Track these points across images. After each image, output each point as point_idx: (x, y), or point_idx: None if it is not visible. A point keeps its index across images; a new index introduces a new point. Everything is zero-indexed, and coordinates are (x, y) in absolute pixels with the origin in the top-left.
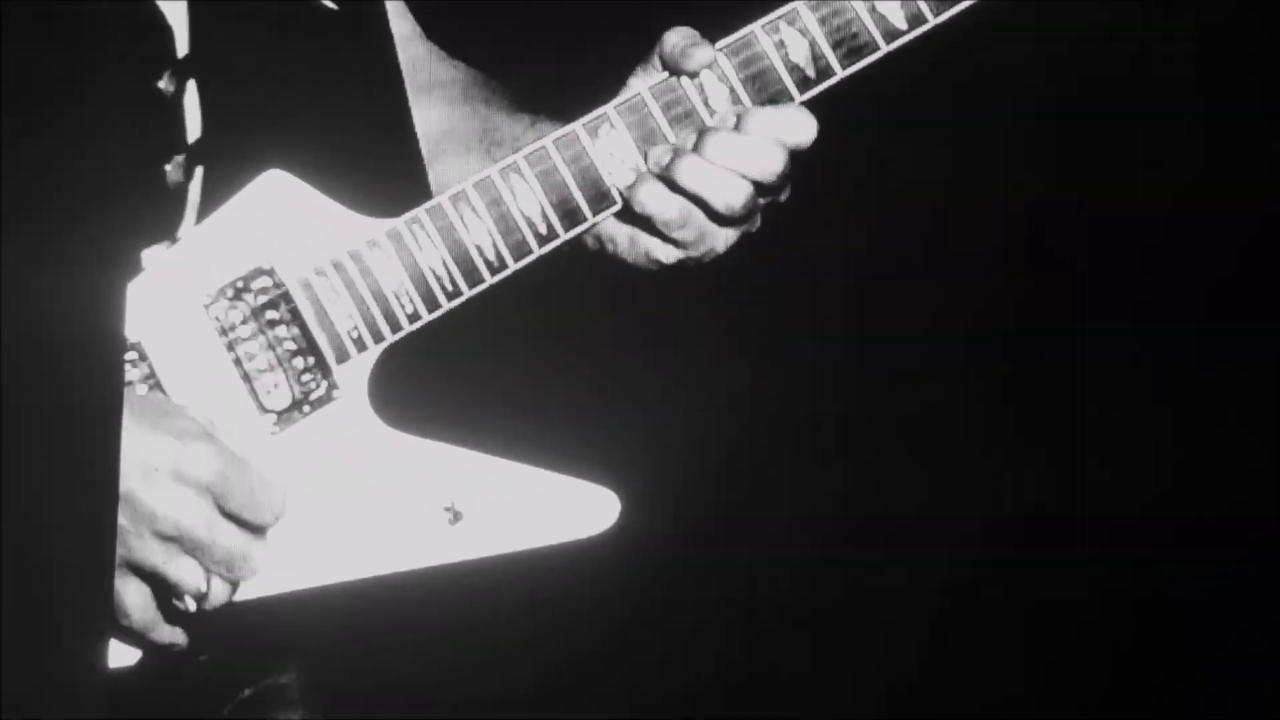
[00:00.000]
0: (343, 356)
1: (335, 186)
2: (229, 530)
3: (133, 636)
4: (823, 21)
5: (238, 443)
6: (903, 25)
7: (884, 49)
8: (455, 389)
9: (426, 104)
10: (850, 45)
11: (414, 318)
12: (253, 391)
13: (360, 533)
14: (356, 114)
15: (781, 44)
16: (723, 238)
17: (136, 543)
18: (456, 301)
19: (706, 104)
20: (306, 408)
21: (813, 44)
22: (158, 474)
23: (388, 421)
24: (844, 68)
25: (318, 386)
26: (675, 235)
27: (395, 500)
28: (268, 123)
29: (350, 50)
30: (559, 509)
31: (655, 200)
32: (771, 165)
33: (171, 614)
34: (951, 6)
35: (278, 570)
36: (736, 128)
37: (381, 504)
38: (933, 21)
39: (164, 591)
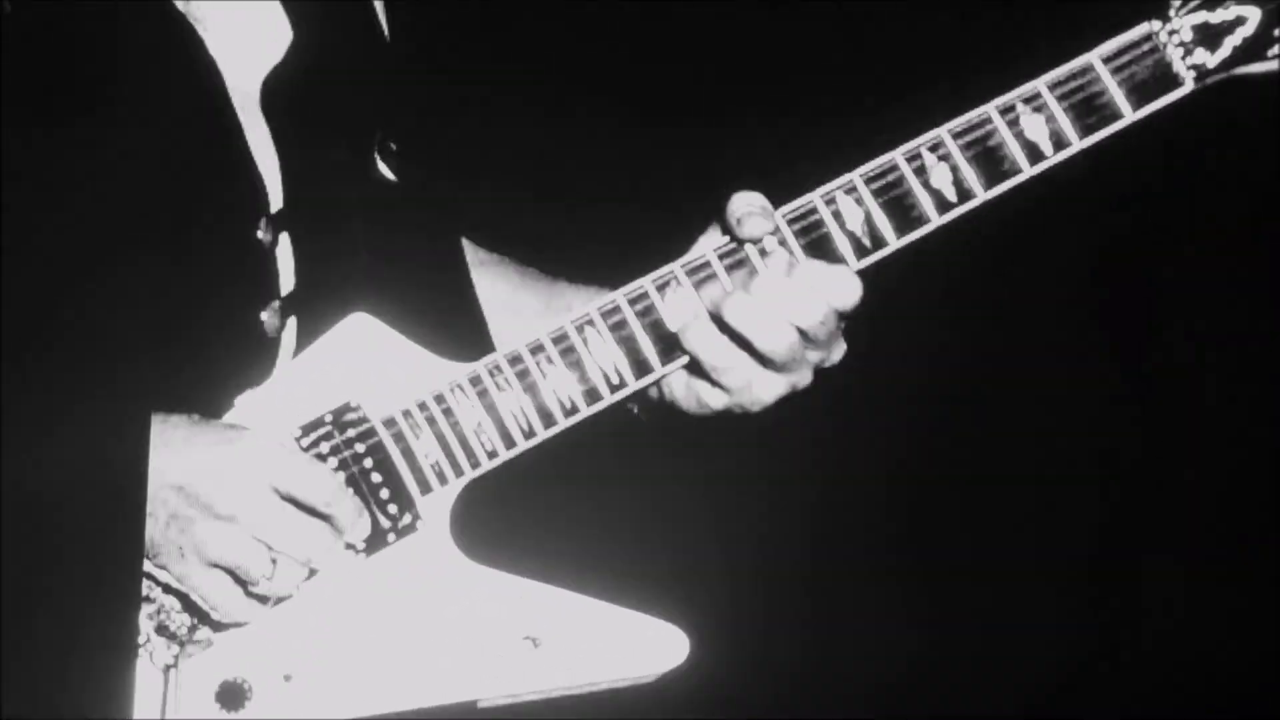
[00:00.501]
0: (425, 489)
1: (415, 332)
2: (286, 512)
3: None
4: (877, 194)
5: (328, 565)
6: (953, 198)
7: (936, 221)
8: (532, 522)
9: (491, 279)
10: (904, 217)
11: (492, 455)
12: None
13: (443, 658)
14: (424, 274)
15: (838, 213)
16: (769, 386)
17: (204, 533)
18: (532, 442)
19: (765, 262)
20: (392, 536)
21: (867, 214)
22: (218, 475)
23: (467, 553)
24: (898, 238)
25: (402, 516)
26: (723, 380)
27: (475, 628)
28: (354, 277)
29: (414, 220)
30: (631, 645)
31: (703, 341)
32: (814, 314)
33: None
34: (999, 184)
35: (362, 693)
36: (786, 275)
37: (462, 631)
38: (981, 197)
39: (239, 581)
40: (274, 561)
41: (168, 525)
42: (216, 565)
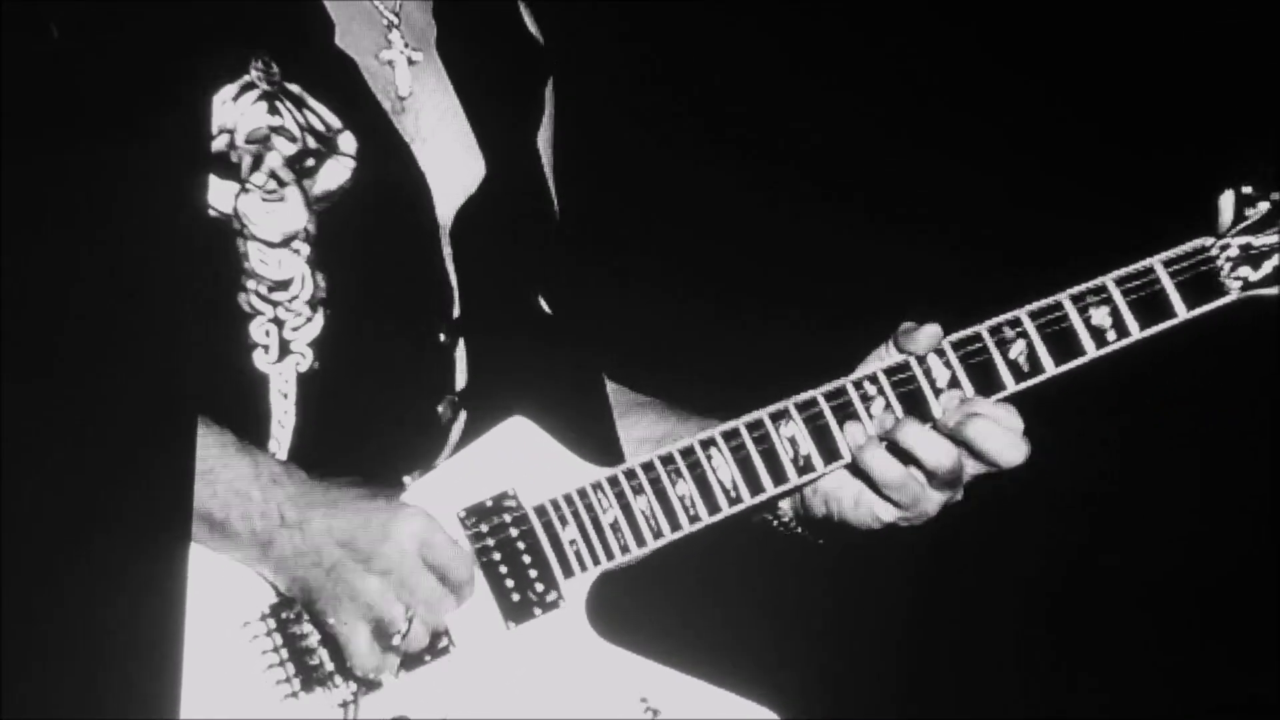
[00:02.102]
0: (568, 573)
1: (562, 437)
2: (428, 578)
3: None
4: (1040, 328)
5: (477, 631)
6: (1111, 334)
7: (1092, 354)
8: (660, 609)
9: (640, 416)
10: (1061, 345)
11: (625, 550)
12: (492, 592)
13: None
14: (570, 391)
15: (1004, 341)
16: (935, 502)
17: (360, 584)
18: (661, 541)
19: (932, 384)
20: (537, 610)
21: (1030, 345)
22: (384, 534)
23: (600, 631)
24: (1056, 365)
25: (546, 594)
26: (894, 497)
27: (602, 697)
28: (517, 384)
29: (564, 346)
30: None
31: (879, 462)
32: (1000, 453)
33: (385, 653)
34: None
35: None
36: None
37: (591, 699)
38: (1136, 335)
39: (379, 636)
40: (410, 620)
41: (328, 574)
42: (364, 616)
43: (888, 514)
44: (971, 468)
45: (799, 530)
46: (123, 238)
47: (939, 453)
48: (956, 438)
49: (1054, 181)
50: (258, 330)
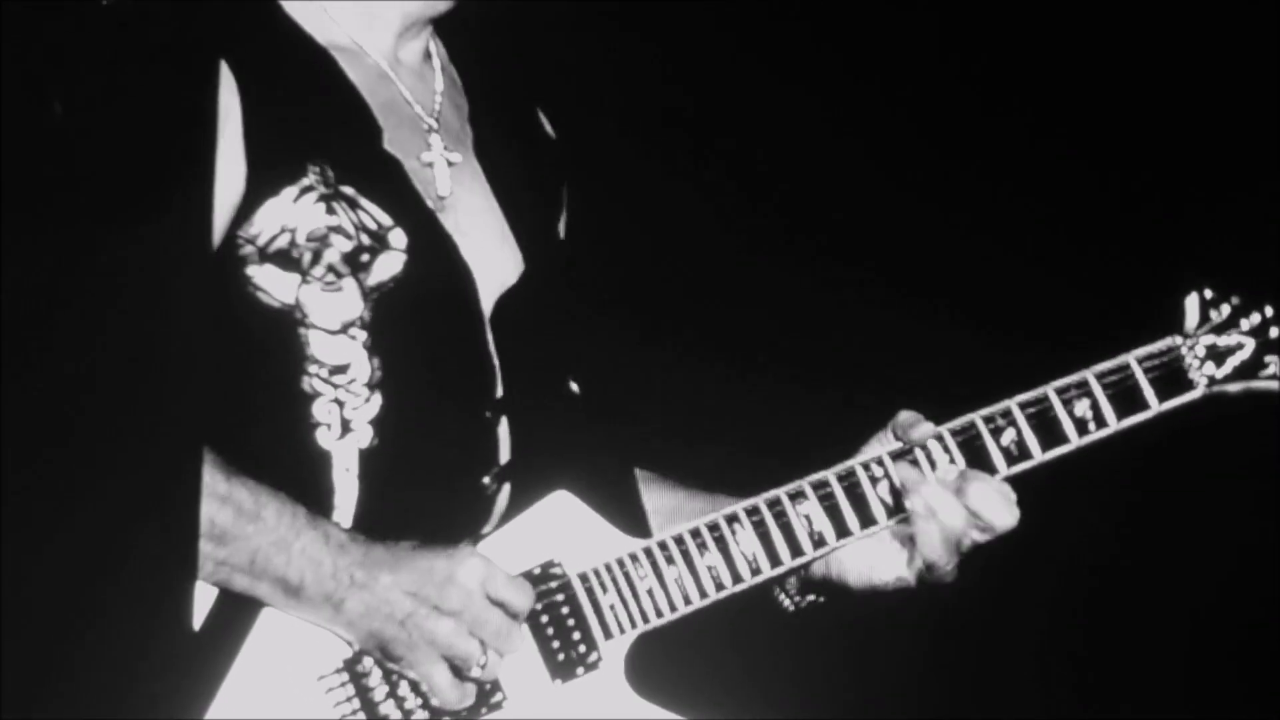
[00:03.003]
0: (608, 635)
1: (601, 509)
2: (495, 612)
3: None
4: (1028, 418)
5: (525, 689)
6: (1092, 425)
7: (1075, 443)
8: (691, 669)
9: (659, 492)
10: (1047, 434)
11: (659, 614)
12: (540, 652)
13: None
14: (602, 468)
15: (997, 429)
16: (952, 566)
17: (434, 628)
18: (691, 608)
19: (933, 465)
20: (580, 669)
21: (1019, 432)
22: (448, 580)
23: (636, 689)
24: (1044, 452)
25: (588, 654)
26: (927, 555)
27: None
28: (556, 459)
29: (596, 427)
30: None
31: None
32: (994, 516)
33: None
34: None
35: None
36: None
37: None
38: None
39: (458, 672)
40: (485, 650)
41: (402, 625)
42: (442, 655)
43: (906, 571)
44: (970, 534)
45: (797, 598)
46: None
47: (952, 510)
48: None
49: (1037, 274)
50: (320, 410)
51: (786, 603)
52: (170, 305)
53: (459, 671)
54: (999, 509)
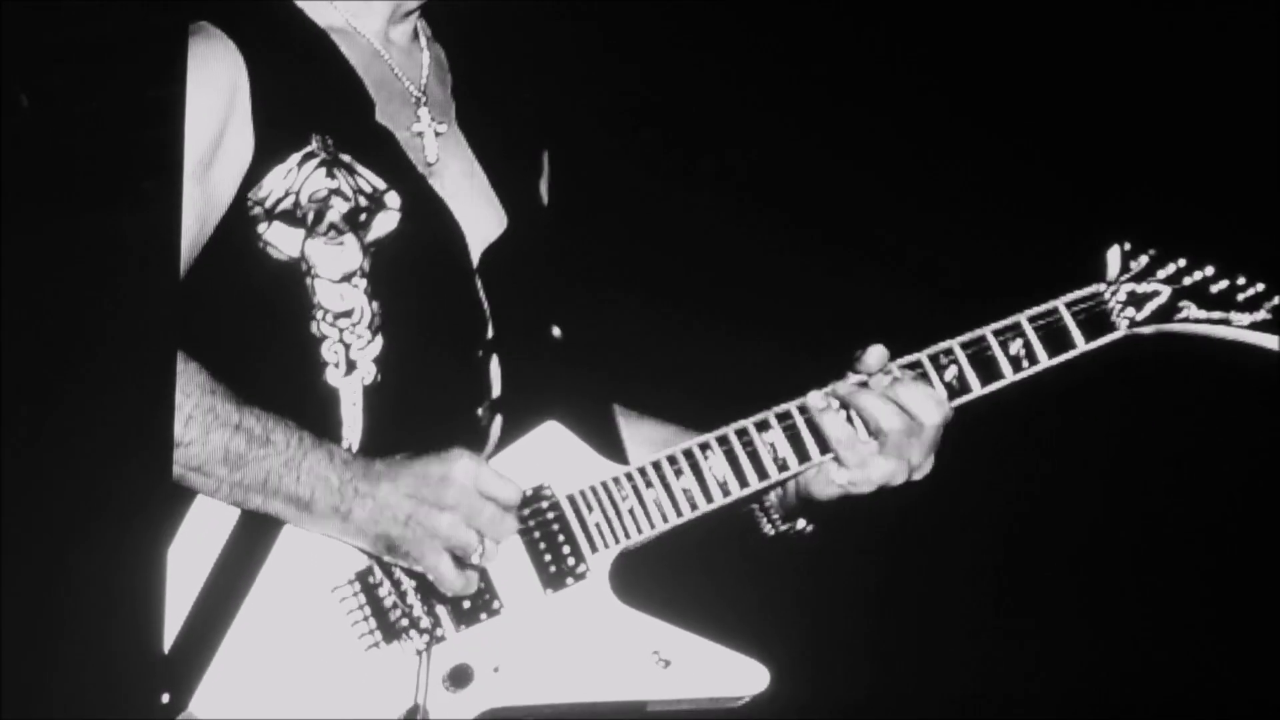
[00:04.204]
0: (594, 549)
1: (586, 438)
2: (488, 504)
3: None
4: (969, 356)
5: (519, 597)
6: (1025, 362)
7: (1010, 378)
8: (669, 580)
9: (637, 428)
10: (986, 370)
11: (639, 531)
12: (533, 564)
13: (593, 669)
14: (585, 401)
15: (940, 366)
16: (879, 467)
17: (434, 523)
18: (668, 525)
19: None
20: (569, 580)
21: (960, 369)
22: (443, 480)
23: (620, 597)
24: (982, 386)
25: (576, 566)
26: (844, 456)
27: (622, 651)
28: (543, 393)
29: (578, 366)
30: (730, 673)
31: (832, 421)
32: (921, 409)
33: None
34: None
35: (548, 688)
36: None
37: (612, 652)
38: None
39: (459, 560)
40: (482, 539)
41: (405, 524)
42: (444, 547)
43: (841, 476)
44: (910, 434)
45: (776, 516)
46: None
47: (885, 413)
48: (889, 397)
49: (981, 237)
50: (328, 351)
51: (769, 528)
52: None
53: (461, 561)
54: (928, 405)
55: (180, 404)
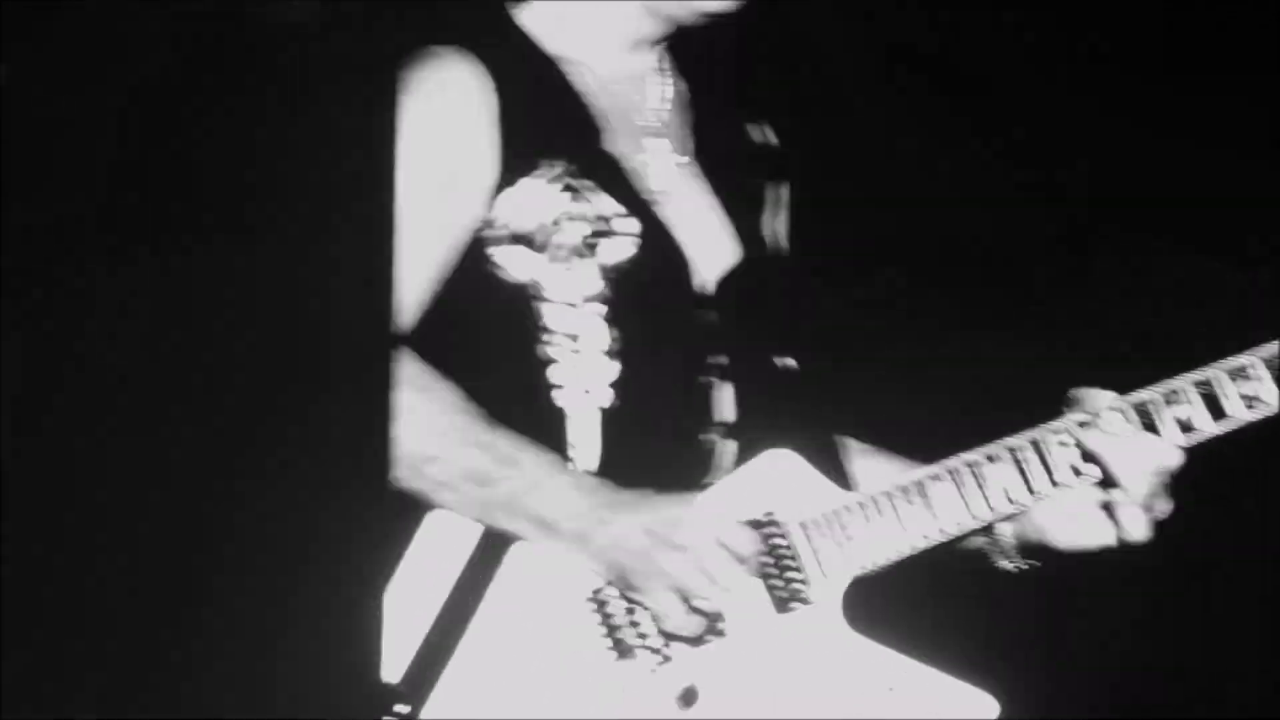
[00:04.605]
0: (824, 575)
1: (818, 465)
2: (721, 551)
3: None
4: (1202, 396)
5: (749, 621)
6: (1259, 404)
7: (1242, 418)
8: (900, 605)
9: (868, 460)
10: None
11: (869, 559)
12: (766, 588)
13: (820, 695)
14: (817, 430)
15: (1171, 403)
16: (1140, 523)
17: (665, 562)
18: (897, 555)
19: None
20: (795, 605)
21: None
22: (680, 520)
23: (850, 624)
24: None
25: (803, 592)
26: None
27: (848, 676)
28: (773, 418)
29: (809, 394)
30: (956, 702)
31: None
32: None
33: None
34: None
35: (762, 711)
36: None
37: (839, 677)
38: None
39: (686, 600)
40: (711, 585)
41: (638, 557)
42: (672, 586)
43: (1102, 536)
44: (1152, 488)
45: (1013, 553)
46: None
47: (1131, 466)
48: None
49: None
50: (557, 374)
51: (1004, 563)
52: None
53: (688, 602)
54: (1165, 459)
55: (432, 420)
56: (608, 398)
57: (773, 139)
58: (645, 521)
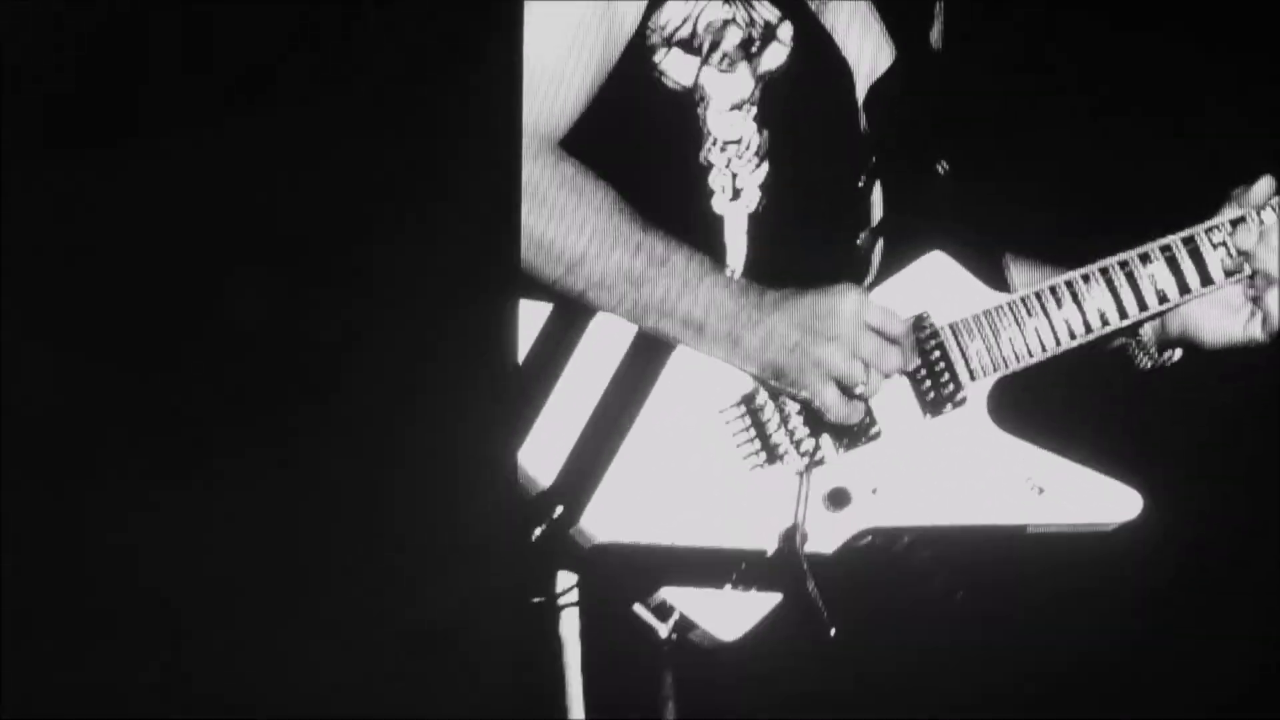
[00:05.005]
0: (973, 377)
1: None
2: (873, 336)
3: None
4: None
5: (899, 422)
6: None
7: None
8: (1047, 403)
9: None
10: None
11: (1018, 359)
12: (913, 391)
13: (969, 493)
14: (968, 239)
15: None
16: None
17: (820, 352)
18: (1046, 354)
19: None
20: (948, 406)
21: None
22: (831, 312)
23: (998, 424)
24: None
25: (955, 393)
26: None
27: (1000, 477)
28: (926, 221)
29: (964, 200)
30: (1102, 499)
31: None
32: None
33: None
34: None
35: (926, 509)
36: None
37: (987, 476)
38: None
39: (845, 390)
40: (867, 370)
41: (791, 352)
42: (829, 376)
43: (1253, 329)
44: None
45: (1152, 349)
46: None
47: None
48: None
49: None
50: (715, 179)
51: (1145, 361)
52: None
53: (846, 390)
54: None
55: (586, 219)
56: (761, 202)
57: None
58: (796, 316)
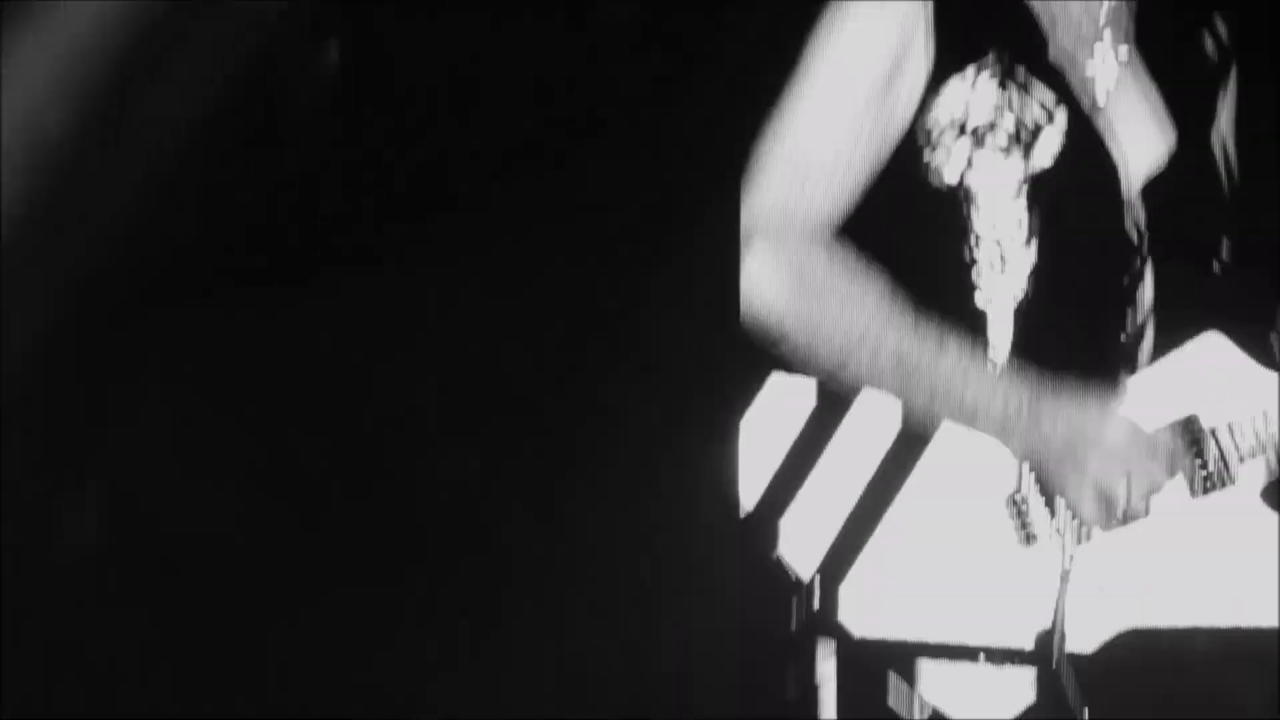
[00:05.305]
0: (1242, 462)
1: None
2: (1141, 457)
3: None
4: None
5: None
6: None
7: None
8: None
9: None
10: None
11: None
12: (1189, 470)
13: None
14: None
15: None
16: None
17: (1088, 459)
18: None
19: None
20: (1221, 483)
21: None
22: (1101, 419)
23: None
24: None
25: (1227, 477)
26: None
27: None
28: (1197, 313)
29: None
30: None
31: None
32: None
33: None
34: None
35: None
36: None
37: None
38: None
39: (1103, 501)
40: (1129, 487)
41: (1058, 453)
42: (1089, 486)
43: None
44: None
45: None
46: None
47: None
48: None
49: None
50: (978, 276)
51: None
52: None
53: (1106, 503)
54: None
55: (864, 305)
56: (1025, 299)
57: (1224, 34)
58: (1067, 419)
